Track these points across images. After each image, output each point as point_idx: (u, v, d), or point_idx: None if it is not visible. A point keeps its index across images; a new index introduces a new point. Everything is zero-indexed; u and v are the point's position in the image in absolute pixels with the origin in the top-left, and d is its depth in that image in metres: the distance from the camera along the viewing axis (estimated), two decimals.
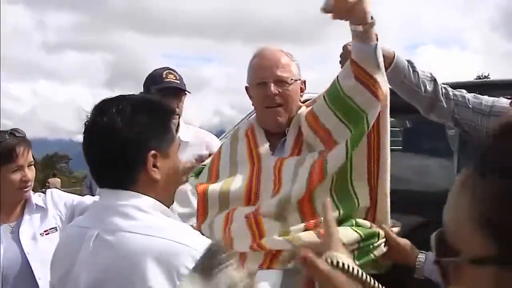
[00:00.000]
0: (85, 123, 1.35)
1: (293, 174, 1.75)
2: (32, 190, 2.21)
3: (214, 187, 1.85)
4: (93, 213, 1.38)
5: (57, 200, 2.25)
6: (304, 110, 1.91)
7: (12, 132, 2.14)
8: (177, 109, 2.55)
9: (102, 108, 1.32)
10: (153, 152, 1.30)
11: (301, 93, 1.94)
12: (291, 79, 1.86)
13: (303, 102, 1.99)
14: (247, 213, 1.74)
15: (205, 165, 2.04)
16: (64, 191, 2.45)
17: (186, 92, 2.66)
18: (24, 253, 2.07)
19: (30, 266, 2.05)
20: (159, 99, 1.47)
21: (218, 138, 2.90)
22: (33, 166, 2.17)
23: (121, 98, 1.35)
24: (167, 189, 1.37)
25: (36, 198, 2.22)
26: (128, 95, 1.39)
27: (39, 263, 2.03)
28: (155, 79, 2.61)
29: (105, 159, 1.31)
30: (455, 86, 3.18)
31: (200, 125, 2.91)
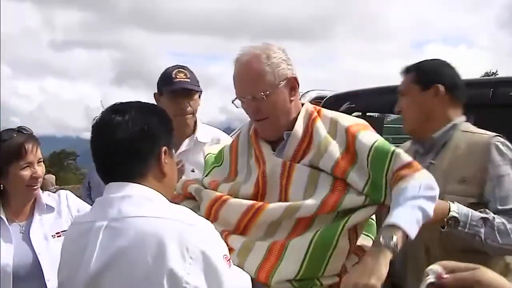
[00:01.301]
0: (95, 121, 1.43)
1: (304, 188, 1.71)
2: (40, 188, 2.19)
3: (225, 187, 1.84)
4: (98, 207, 1.43)
5: (71, 203, 2.24)
6: (325, 115, 1.82)
7: (19, 130, 2.13)
8: (189, 108, 2.51)
9: (120, 109, 1.43)
10: (165, 148, 1.44)
11: (293, 92, 1.81)
12: (266, 91, 1.74)
13: (315, 99, 1.92)
14: (249, 205, 1.71)
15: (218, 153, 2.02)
16: (72, 187, 2.45)
17: (198, 90, 2.59)
18: (35, 253, 2.05)
19: (41, 267, 2.03)
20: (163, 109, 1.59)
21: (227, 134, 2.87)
22: (42, 163, 2.15)
23: (135, 102, 1.48)
24: (170, 186, 1.50)
25: (46, 197, 2.20)
26: (139, 101, 1.51)
27: (49, 264, 2.01)
28: (165, 80, 2.56)
29: (122, 152, 1.39)
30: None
31: (207, 122, 2.88)
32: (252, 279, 1.56)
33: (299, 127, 1.79)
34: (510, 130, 2.65)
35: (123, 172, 1.40)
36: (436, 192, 1.64)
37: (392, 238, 1.49)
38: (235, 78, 1.81)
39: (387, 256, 1.48)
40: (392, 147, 1.70)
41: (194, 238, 1.29)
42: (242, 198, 1.77)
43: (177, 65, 2.62)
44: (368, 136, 1.73)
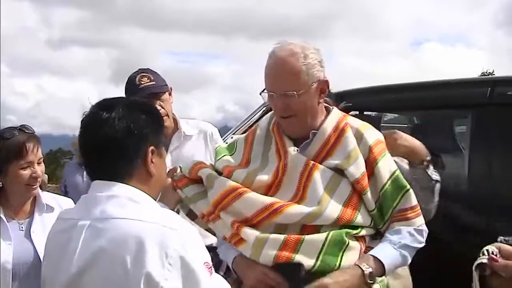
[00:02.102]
0: (84, 117, 1.43)
1: (323, 190, 1.73)
2: (40, 188, 2.18)
3: (240, 173, 1.83)
4: (83, 205, 1.42)
5: None
6: (352, 122, 1.85)
7: (21, 128, 2.11)
8: (162, 110, 2.43)
9: (108, 105, 1.41)
10: (152, 147, 1.42)
11: (322, 95, 1.82)
12: (300, 91, 1.74)
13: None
14: (268, 203, 1.71)
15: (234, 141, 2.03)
16: None
17: (165, 91, 2.53)
18: (37, 252, 2.03)
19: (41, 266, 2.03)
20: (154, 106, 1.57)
21: (223, 133, 2.87)
22: (42, 162, 2.13)
23: (124, 99, 1.48)
24: (157, 186, 1.48)
25: (46, 197, 2.18)
26: (129, 97, 1.51)
27: None
28: (131, 88, 2.50)
29: (107, 150, 1.38)
30: (457, 82, 3.17)
31: (203, 120, 2.86)
32: None
33: (327, 128, 1.80)
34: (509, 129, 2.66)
35: (109, 171, 1.39)
36: (423, 242, 1.79)
37: (371, 268, 1.68)
38: (269, 71, 1.80)
39: (360, 279, 1.66)
40: (406, 185, 1.80)
41: (174, 243, 1.27)
42: (256, 186, 1.77)
43: (139, 69, 2.57)
44: (388, 165, 1.81)
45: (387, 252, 1.73)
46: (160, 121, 1.49)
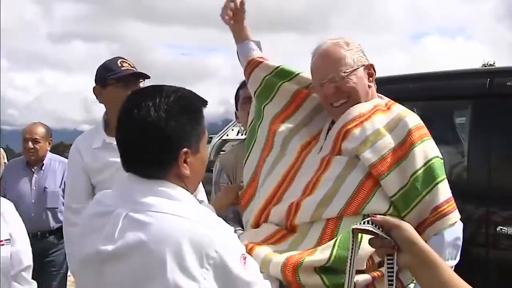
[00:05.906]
0: (119, 113, 1.36)
1: (329, 187, 1.73)
2: None
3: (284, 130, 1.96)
4: (120, 193, 1.38)
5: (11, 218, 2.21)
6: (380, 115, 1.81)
7: None
8: None
9: (137, 101, 1.33)
10: (185, 149, 1.33)
11: (370, 78, 1.88)
12: (347, 71, 1.81)
13: None
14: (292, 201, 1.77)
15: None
16: None
17: (144, 78, 2.47)
18: None
19: None
20: (190, 91, 1.44)
21: (224, 125, 2.89)
22: None
23: (155, 91, 1.35)
24: (195, 182, 1.42)
25: None
26: (161, 86, 1.38)
27: None
28: (111, 70, 2.43)
29: (137, 152, 1.33)
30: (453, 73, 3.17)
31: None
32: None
33: (353, 110, 1.81)
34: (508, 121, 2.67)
35: (142, 173, 1.34)
36: (461, 238, 1.74)
37: None
38: (315, 64, 1.88)
39: None
40: (441, 175, 1.71)
41: (214, 243, 1.25)
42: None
43: (117, 56, 2.52)
44: (425, 151, 1.73)
45: None
46: (195, 111, 1.39)
